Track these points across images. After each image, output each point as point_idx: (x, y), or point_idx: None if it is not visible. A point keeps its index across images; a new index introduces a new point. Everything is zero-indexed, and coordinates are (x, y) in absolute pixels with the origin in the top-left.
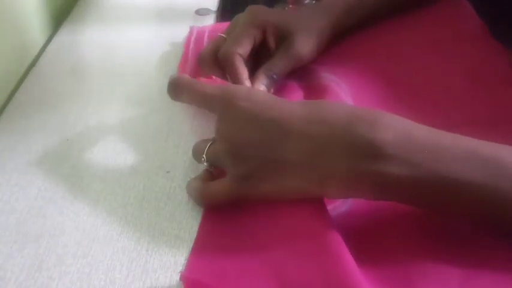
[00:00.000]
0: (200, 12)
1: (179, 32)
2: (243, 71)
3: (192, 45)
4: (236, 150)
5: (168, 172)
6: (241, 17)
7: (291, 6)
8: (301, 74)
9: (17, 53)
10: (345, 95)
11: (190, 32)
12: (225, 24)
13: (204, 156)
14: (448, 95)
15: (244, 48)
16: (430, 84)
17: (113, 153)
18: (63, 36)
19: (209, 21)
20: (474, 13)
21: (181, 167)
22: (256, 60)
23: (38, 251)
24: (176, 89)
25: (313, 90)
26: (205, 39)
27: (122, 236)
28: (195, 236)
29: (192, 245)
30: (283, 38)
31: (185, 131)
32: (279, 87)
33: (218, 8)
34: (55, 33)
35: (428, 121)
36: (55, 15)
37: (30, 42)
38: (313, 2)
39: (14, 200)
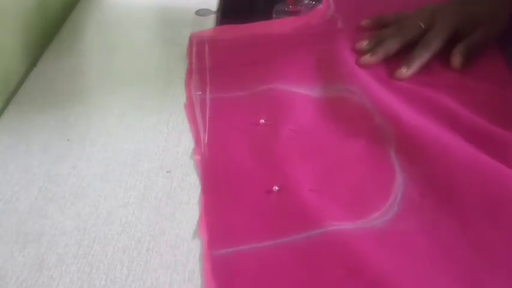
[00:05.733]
0: (200, 13)
1: (179, 33)
2: None
3: (194, 58)
4: None
5: (168, 172)
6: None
7: (291, 6)
8: (313, 86)
9: (18, 54)
10: (360, 100)
11: (191, 43)
12: (224, 29)
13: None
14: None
15: None
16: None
17: (113, 153)
18: (63, 37)
19: (209, 22)
20: None
21: (181, 167)
22: None
23: (39, 251)
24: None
25: (327, 103)
26: (207, 51)
27: (123, 235)
28: (195, 235)
29: (192, 244)
30: None
31: (185, 131)
32: (290, 97)
33: (218, 9)
34: (56, 34)
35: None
36: (56, 15)
37: (30, 43)
38: (313, 2)
39: (15, 200)
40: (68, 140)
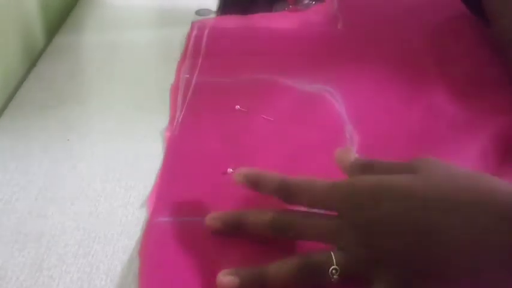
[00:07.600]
0: (200, 12)
1: (179, 33)
2: None
3: (191, 43)
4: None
5: None
6: None
7: (291, 6)
8: (300, 80)
9: (18, 54)
10: (338, 105)
11: (192, 29)
12: (226, 19)
13: (335, 268)
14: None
15: None
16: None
17: (112, 154)
18: (63, 36)
19: None
20: None
21: None
22: None
23: (39, 251)
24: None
25: (307, 97)
26: (205, 37)
27: (123, 235)
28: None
29: None
30: None
31: None
32: (272, 87)
33: (218, 8)
34: (55, 34)
35: (422, 121)
36: (56, 15)
37: (30, 43)
38: (313, 2)
39: (15, 200)
40: (68, 140)
